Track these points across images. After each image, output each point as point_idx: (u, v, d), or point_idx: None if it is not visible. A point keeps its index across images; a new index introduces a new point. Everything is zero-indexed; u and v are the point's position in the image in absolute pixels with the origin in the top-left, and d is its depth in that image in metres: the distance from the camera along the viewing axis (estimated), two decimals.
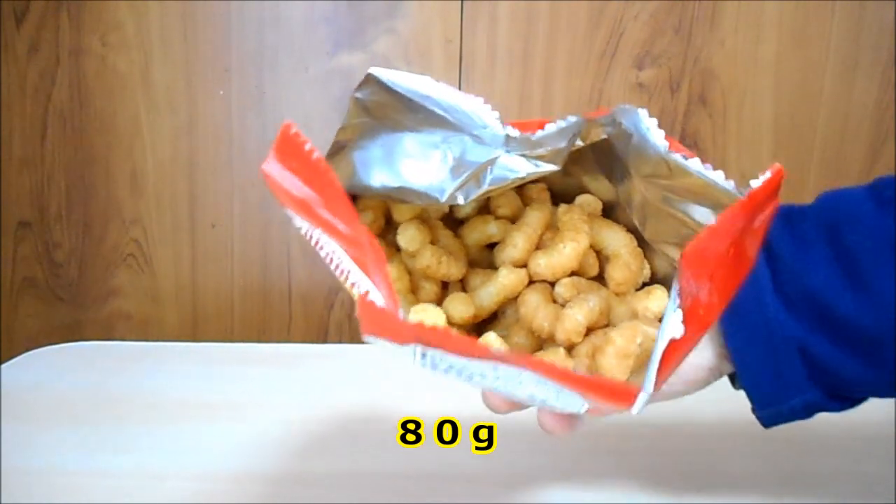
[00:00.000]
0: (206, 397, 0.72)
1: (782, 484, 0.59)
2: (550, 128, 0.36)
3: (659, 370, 0.32)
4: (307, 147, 0.34)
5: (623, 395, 0.32)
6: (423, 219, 0.40)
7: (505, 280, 0.39)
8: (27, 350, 0.82)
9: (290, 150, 0.34)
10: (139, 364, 0.80)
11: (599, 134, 0.38)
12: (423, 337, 0.30)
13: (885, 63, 0.94)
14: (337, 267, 0.34)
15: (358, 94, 0.38)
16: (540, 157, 0.37)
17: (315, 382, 0.65)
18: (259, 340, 0.97)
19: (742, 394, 0.47)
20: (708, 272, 0.32)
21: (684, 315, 0.32)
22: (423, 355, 0.32)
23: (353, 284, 0.33)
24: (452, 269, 0.39)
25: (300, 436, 0.64)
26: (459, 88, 0.93)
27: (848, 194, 0.44)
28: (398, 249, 0.40)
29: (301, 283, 0.99)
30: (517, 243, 0.39)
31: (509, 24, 0.93)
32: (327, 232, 0.34)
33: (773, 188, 0.34)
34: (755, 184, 0.33)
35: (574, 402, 0.33)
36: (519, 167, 0.37)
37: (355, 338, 1.00)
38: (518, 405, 0.42)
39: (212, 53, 0.93)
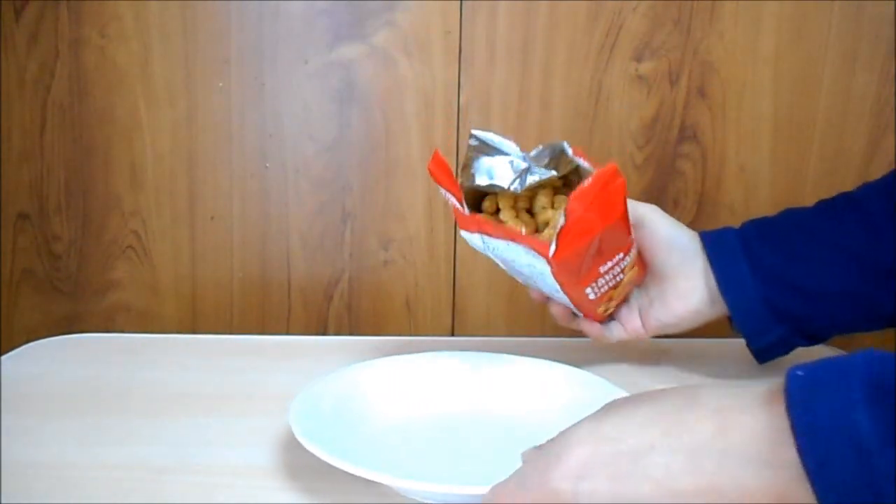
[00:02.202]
0: (205, 389, 0.72)
1: None
2: (534, 151, 0.66)
3: (559, 243, 0.61)
4: (449, 166, 0.65)
5: (543, 246, 0.62)
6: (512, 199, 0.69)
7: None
8: (27, 342, 0.83)
9: (440, 165, 0.65)
10: (138, 356, 0.80)
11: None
12: (482, 227, 0.66)
13: (885, 56, 0.94)
14: (449, 202, 0.66)
15: (469, 141, 0.66)
16: (545, 166, 0.66)
17: (314, 374, 0.65)
18: (258, 332, 0.97)
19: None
20: (578, 199, 0.60)
21: (566, 218, 0.60)
22: (483, 240, 0.66)
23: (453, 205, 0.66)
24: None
25: None
26: (459, 80, 0.94)
27: (799, 209, 0.74)
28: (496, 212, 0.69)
29: (300, 276, 0.99)
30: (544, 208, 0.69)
31: (509, 16, 0.93)
32: (450, 191, 0.65)
33: (612, 171, 0.61)
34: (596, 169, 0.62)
35: (537, 264, 0.64)
36: (537, 174, 0.65)
37: (354, 330, 1.00)
38: (546, 297, 0.73)
39: (211, 45, 0.93)
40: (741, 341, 0.76)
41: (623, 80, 0.95)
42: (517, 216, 0.68)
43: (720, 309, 0.73)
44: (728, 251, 0.72)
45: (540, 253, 0.63)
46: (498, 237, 0.65)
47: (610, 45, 0.94)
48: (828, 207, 0.73)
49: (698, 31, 0.93)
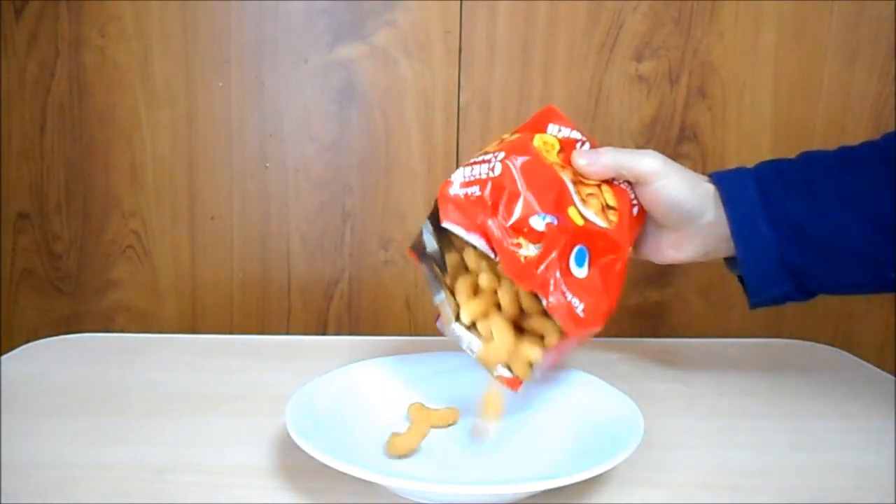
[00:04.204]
0: (205, 389, 0.72)
1: (781, 477, 0.59)
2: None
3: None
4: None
5: (514, 383, 0.62)
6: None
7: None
8: (27, 342, 0.83)
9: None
10: (138, 356, 0.80)
11: None
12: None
13: (885, 55, 0.94)
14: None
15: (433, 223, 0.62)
16: None
17: (314, 375, 0.65)
18: (258, 332, 0.97)
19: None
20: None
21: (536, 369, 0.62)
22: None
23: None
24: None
25: None
26: (459, 80, 0.94)
27: (820, 153, 0.69)
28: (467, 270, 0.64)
29: (300, 276, 0.99)
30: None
31: (509, 16, 0.93)
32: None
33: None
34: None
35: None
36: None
37: (354, 330, 1.00)
38: None
39: (211, 45, 0.93)
40: (742, 342, 0.76)
41: (623, 79, 0.95)
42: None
43: (715, 257, 0.70)
44: (745, 201, 0.67)
45: (510, 387, 0.63)
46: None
47: (610, 45, 0.94)
48: (853, 157, 0.68)
49: (698, 31, 0.93)
